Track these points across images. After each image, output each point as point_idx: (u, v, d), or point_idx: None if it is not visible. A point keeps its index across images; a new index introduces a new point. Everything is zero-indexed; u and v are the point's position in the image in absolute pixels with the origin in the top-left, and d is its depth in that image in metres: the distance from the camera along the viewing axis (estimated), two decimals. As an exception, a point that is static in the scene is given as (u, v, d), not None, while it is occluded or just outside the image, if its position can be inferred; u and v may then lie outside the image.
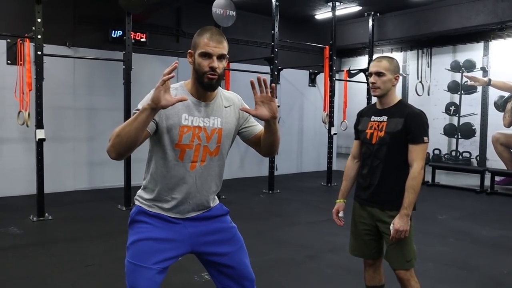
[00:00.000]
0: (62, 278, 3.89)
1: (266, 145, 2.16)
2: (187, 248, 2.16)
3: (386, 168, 2.66)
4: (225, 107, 2.15)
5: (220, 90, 2.17)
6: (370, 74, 2.72)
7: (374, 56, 9.34)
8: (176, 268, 4.00)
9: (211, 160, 2.12)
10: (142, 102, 1.96)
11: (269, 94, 1.98)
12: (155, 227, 2.10)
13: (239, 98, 2.24)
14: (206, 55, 1.97)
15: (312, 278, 4.04)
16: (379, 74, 2.67)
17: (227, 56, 2.02)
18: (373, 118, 2.76)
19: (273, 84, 2.00)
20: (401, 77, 10.62)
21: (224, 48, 1.99)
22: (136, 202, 2.18)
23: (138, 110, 1.91)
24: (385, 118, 2.69)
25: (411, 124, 2.59)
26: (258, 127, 2.24)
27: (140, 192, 2.18)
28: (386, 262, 2.77)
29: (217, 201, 2.28)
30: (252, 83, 1.98)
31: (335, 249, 4.86)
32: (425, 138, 2.61)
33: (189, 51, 2.04)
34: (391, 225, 2.56)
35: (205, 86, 2.01)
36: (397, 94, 2.78)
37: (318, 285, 3.90)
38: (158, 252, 2.07)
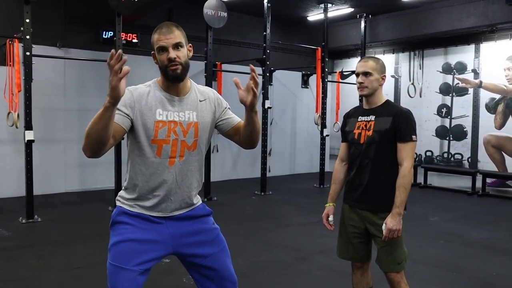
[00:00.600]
0: (48, 281, 3.86)
1: (246, 135, 2.17)
2: (169, 249, 2.14)
3: (375, 167, 2.65)
4: (200, 101, 2.16)
5: (195, 85, 2.19)
6: (358, 74, 2.73)
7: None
8: (165, 270, 3.99)
9: (190, 155, 2.11)
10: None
11: (255, 83, 2.00)
12: (137, 228, 2.08)
13: (214, 92, 2.26)
14: (162, 49, 2.00)
15: (301, 280, 4.03)
16: (366, 74, 2.68)
17: (185, 43, 2.03)
18: (360, 118, 2.76)
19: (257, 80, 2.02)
20: (393, 79, 10.73)
21: (176, 36, 2.01)
22: (117, 203, 2.16)
23: (118, 109, 1.93)
24: (372, 117, 2.69)
25: (400, 122, 2.59)
26: (236, 118, 2.26)
27: (121, 192, 2.17)
28: (374, 264, 2.76)
29: (200, 201, 2.26)
30: (236, 83, 2.03)
31: (325, 251, 4.85)
32: (414, 137, 2.60)
33: (152, 52, 2.07)
34: (384, 225, 2.54)
35: (171, 78, 2.03)
36: (384, 95, 2.78)
37: (306, 287, 3.88)
38: (140, 253, 2.05)
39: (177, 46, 2.01)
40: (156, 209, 2.10)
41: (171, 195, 2.10)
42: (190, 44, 2.09)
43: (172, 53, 1.99)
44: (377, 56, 8.05)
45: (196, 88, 2.18)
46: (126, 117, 1.99)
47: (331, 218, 2.91)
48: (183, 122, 2.08)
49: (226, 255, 2.28)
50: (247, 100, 2.03)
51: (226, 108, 2.25)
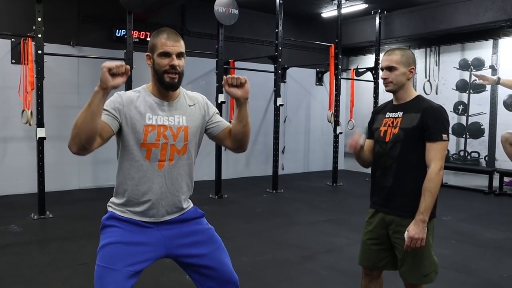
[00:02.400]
0: (53, 276, 3.90)
1: (237, 135, 2.17)
2: (162, 252, 2.13)
3: (400, 168, 2.44)
4: (189, 105, 2.17)
5: (183, 90, 2.20)
6: (382, 69, 2.54)
7: (381, 55, 9.24)
8: (167, 268, 3.99)
9: (179, 158, 2.11)
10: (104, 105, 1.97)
11: (239, 81, 2.05)
12: (126, 231, 2.08)
13: (203, 97, 2.27)
14: (165, 55, 2.01)
15: (305, 279, 3.98)
16: (390, 68, 2.48)
17: (185, 54, 2.08)
18: (388, 114, 2.56)
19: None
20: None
21: (181, 46, 2.05)
22: (109, 209, 2.16)
23: (105, 110, 1.96)
24: (400, 113, 2.48)
25: (429, 119, 2.36)
26: (225, 123, 2.26)
27: (112, 198, 2.18)
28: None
29: (191, 205, 2.26)
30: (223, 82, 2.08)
31: (332, 250, 4.80)
32: (444, 136, 2.35)
33: (147, 54, 2.09)
34: (406, 232, 2.34)
35: (166, 85, 2.05)
36: (415, 89, 2.55)
37: (309, 286, 3.84)
38: (129, 255, 2.04)
39: (180, 55, 2.04)
40: (147, 214, 2.10)
41: (161, 200, 2.09)
42: (185, 55, 2.11)
43: (176, 61, 2.02)
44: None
45: (185, 94, 2.20)
46: (114, 119, 2.00)
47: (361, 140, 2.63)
48: (173, 126, 2.08)
49: (224, 254, 2.26)
50: (238, 93, 2.07)
51: (215, 112, 2.26)
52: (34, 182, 6.36)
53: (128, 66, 1.87)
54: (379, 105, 8.60)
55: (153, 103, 2.08)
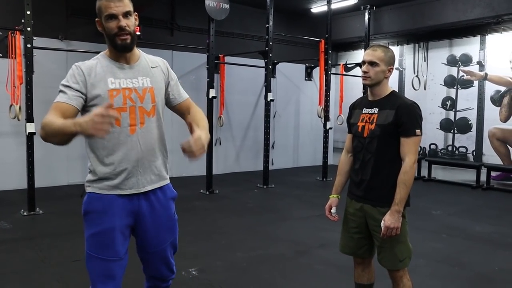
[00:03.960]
0: (47, 273, 3.86)
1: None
2: (132, 221, 2.12)
3: (378, 162, 2.56)
4: (152, 67, 2.14)
5: (144, 54, 2.16)
6: (364, 62, 2.59)
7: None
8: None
9: (149, 121, 2.08)
10: (64, 81, 1.99)
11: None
12: (110, 216, 2.05)
13: (164, 62, 2.24)
14: (111, 17, 1.96)
15: (300, 274, 4.00)
16: (372, 63, 2.54)
17: (134, 13, 2.02)
18: (365, 110, 2.65)
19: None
20: (397, 71, 10.63)
21: (126, 5, 1.98)
22: (87, 189, 2.10)
23: (63, 86, 1.95)
24: (376, 110, 2.58)
25: (403, 116, 2.47)
26: (184, 95, 2.25)
27: (87, 177, 2.11)
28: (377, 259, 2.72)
29: (168, 179, 2.23)
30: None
31: (325, 245, 4.82)
32: (418, 131, 2.47)
33: (96, 19, 2.03)
34: (382, 221, 2.47)
35: (119, 48, 2.00)
36: (390, 85, 2.65)
37: (305, 281, 3.86)
38: (114, 241, 2.05)
39: (126, 14, 1.98)
40: (126, 185, 2.05)
41: (138, 167, 2.06)
42: (136, 13, 2.05)
43: (123, 22, 1.97)
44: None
45: (146, 56, 2.17)
46: (79, 96, 1.96)
47: (333, 210, 2.84)
48: (137, 88, 2.05)
49: (172, 248, 2.28)
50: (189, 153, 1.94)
51: (175, 80, 2.23)
52: (22, 178, 6.28)
53: (116, 116, 1.76)
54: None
55: (113, 67, 2.04)
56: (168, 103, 2.22)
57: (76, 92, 1.96)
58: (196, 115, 2.22)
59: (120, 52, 2.03)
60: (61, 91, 1.97)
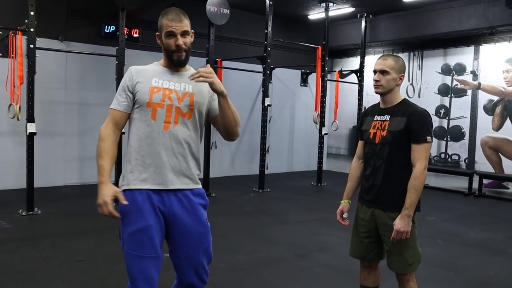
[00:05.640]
0: (51, 273, 3.88)
1: (223, 123, 2.22)
2: (164, 220, 2.19)
3: (389, 168, 2.62)
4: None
5: (191, 68, 2.29)
6: (375, 72, 2.67)
7: (366, 58, 9.41)
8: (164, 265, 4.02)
9: (184, 122, 2.17)
10: (119, 85, 2.21)
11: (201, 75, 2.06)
12: (142, 213, 2.11)
13: None
14: (171, 34, 2.14)
15: (302, 276, 4.07)
16: (383, 72, 2.62)
17: (191, 31, 2.20)
18: (377, 117, 2.72)
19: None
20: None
21: (185, 25, 2.16)
22: (121, 186, 2.19)
23: (118, 91, 2.20)
24: (387, 117, 2.65)
25: (414, 123, 2.53)
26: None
27: (122, 171, 2.23)
28: (383, 262, 2.78)
29: (200, 185, 2.28)
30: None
31: (324, 248, 4.90)
32: (428, 138, 2.54)
33: (157, 33, 2.22)
34: (393, 225, 2.53)
35: (175, 63, 2.19)
36: (401, 94, 2.73)
37: (307, 283, 3.93)
38: (152, 238, 2.12)
39: (184, 33, 2.16)
40: (155, 179, 2.13)
41: (168, 163, 2.14)
42: (193, 31, 2.22)
43: (180, 40, 2.14)
44: (376, 56, 8.08)
45: (193, 69, 2.27)
46: (125, 99, 2.18)
47: (345, 215, 2.90)
48: (178, 91, 2.19)
49: (205, 257, 2.30)
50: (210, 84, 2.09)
51: (216, 96, 2.28)
52: (19, 177, 6.28)
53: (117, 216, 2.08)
54: (363, 106, 8.75)
55: (162, 71, 2.23)
56: (210, 115, 2.30)
57: (124, 96, 2.18)
58: None
59: (175, 66, 2.22)
60: (116, 96, 2.20)
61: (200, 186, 2.27)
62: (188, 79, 2.19)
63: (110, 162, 2.10)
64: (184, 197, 2.18)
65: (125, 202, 2.06)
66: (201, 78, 2.04)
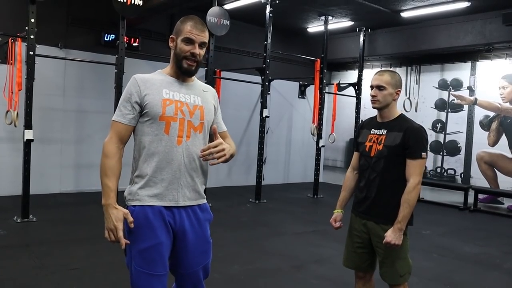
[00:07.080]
0: (45, 281, 3.85)
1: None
2: (172, 237, 2.14)
3: (383, 181, 2.66)
4: (204, 91, 2.25)
5: (196, 79, 2.28)
6: (371, 87, 2.72)
7: (364, 71, 9.47)
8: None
9: (196, 136, 2.13)
10: (122, 96, 2.12)
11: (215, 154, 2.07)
12: (154, 230, 2.06)
13: (214, 90, 2.35)
14: (189, 41, 2.08)
15: (298, 288, 4.05)
16: (380, 87, 2.68)
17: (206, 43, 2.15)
18: (373, 131, 2.77)
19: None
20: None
21: (206, 36, 2.12)
22: (128, 203, 2.12)
23: (120, 102, 2.10)
24: (384, 131, 2.70)
25: (410, 138, 2.58)
26: (222, 127, 2.36)
27: (128, 188, 2.14)
28: (377, 273, 2.80)
29: (205, 199, 2.26)
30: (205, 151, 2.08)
31: (320, 260, 4.89)
32: (423, 154, 2.60)
33: (171, 36, 2.14)
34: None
35: (183, 70, 2.12)
36: (398, 109, 2.78)
37: (303, 295, 3.91)
38: (161, 256, 2.07)
39: (202, 44, 2.11)
40: (166, 196, 2.07)
41: (180, 179, 2.09)
42: (206, 46, 2.19)
43: (197, 50, 2.09)
44: (374, 70, 8.14)
45: (198, 81, 2.29)
46: (135, 114, 2.08)
47: (338, 224, 2.93)
48: (189, 103, 2.14)
49: (204, 273, 2.27)
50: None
51: (219, 111, 2.34)
52: (14, 184, 6.25)
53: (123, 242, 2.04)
54: (360, 119, 8.78)
55: (169, 81, 2.15)
56: (210, 130, 2.26)
57: (130, 108, 2.08)
58: (229, 143, 2.25)
59: (182, 74, 2.15)
60: (119, 107, 2.09)
61: (205, 200, 2.25)
62: (195, 91, 2.18)
63: (115, 182, 2.04)
64: (193, 213, 2.16)
65: (132, 225, 2.02)
66: (214, 161, 2.04)
